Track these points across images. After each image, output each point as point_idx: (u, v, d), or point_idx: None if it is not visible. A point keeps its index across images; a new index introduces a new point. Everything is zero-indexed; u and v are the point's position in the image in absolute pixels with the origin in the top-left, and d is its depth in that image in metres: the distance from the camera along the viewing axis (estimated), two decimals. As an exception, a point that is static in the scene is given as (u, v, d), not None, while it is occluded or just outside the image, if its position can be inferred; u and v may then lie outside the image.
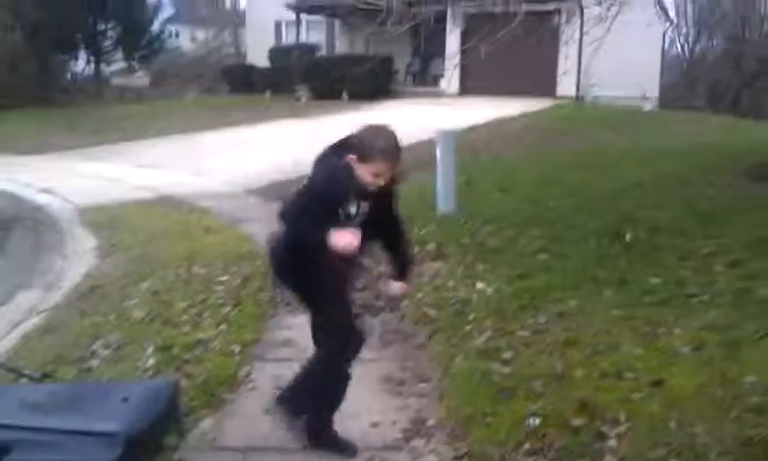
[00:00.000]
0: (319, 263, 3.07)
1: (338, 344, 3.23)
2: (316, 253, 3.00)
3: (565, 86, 19.31)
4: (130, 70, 31.27)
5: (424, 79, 24.46)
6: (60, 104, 24.51)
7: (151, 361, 4.30)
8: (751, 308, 4.61)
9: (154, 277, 6.14)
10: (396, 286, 3.42)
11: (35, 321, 5.39)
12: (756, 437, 3.11)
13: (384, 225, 3.22)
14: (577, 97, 19.48)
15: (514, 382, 3.83)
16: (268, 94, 23.65)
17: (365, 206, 3.09)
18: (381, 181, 2.95)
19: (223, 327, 4.87)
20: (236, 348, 4.54)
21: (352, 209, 3.07)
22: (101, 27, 28.72)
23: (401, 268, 3.39)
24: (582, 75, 19.26)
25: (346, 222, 3.04)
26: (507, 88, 19.27)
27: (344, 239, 2.89)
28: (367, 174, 2.94)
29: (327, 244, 2.89)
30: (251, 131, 16.67)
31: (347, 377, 3.27)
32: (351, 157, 2.95)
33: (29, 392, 3.57)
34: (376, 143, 2.94)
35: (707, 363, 3.90)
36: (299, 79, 22.93)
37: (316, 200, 3.02)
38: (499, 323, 4.75)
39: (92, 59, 29.47)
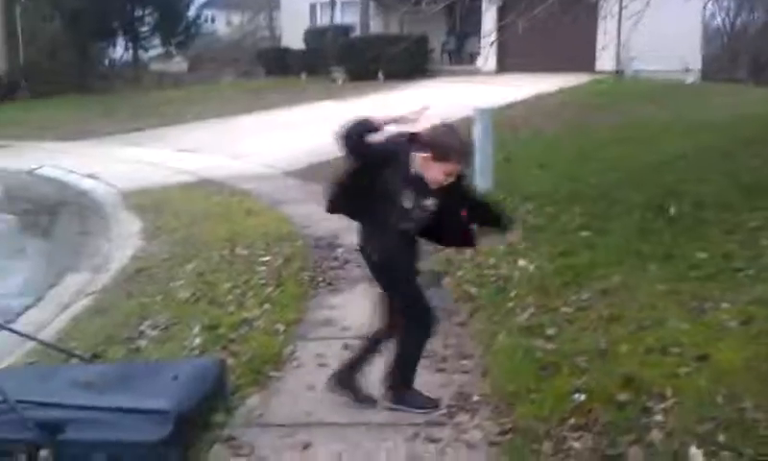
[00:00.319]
0: (403, 248, 3.29)
1: (424, 326, 3.42)
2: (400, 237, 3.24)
3: (605, 61, 18.98)
4: (167, 56, 31.57)
5: (460, 57, 24.27)
6: (99, 90, 24.93)
7: (198, 340, 4.38)
8: (799, 282, 4.52)
9: (198, 258, 6.24)
10: (509, 237, 3.76)
11: (83, 303, 5.52)
12: (806, 411, 3.06)
13: (459, 215, 3.35)
14: (617, 71, 19.14)
15: (557, 358, 3.82)
16: (303, 76, 23.69)
17: (427, 203, 3.21)
18: (451, 179, 3.10)
19: (266, 306, 4.93)
20: (280, 327, 4.60)
21: (407, 202, 3.17)
22: (138, 13, 29.02)
23: (501, 220, 3.56)
24: (621, 49, 18.93)
25: (401, 215, 3.20)
26: (545, 65, 19.01)
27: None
28: (439, 173, 3.08)
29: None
30: (287, 113, 16.74)
31: None
32: (425, 156, 3.06)
33: (80, 372, 3.68)
34: (452, 144, 3.10)
35: (754, 337, 3.83)
36: (334, 60, 22.91)
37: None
38: (542, 300, 4.73)
39: (130, 45, 29.84)
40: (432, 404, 3.46)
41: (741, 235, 5.62)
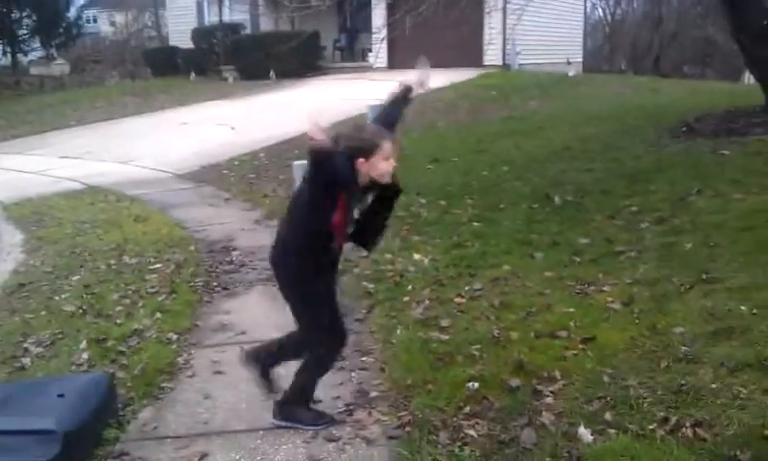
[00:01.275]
0: (320, 266, 3.18)
1: (332, 344, 3.32)
2: (318, 252, 3.13)
3: (492, 56, 19.46)
4: (48, 58, 30.13)
5: (352, 54, 24.31)
6: (-25, 97, 23.53)
7: (85, 355, 4.20)
8: (676, 262, 4.78)
9: (84, 269, 5.99)
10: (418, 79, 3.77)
11: (-39, 322, 5.19)
12: (686, 385, 3.23)
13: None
14: (504, 66, 19.68)
15: (452, 348, 3.90)
16: (193, 76, 23.17)
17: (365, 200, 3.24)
18: (394, 163, 3.07)
19: (158, 315, 4.79)
20: (173, 336, 4.48)
21: (356, 212, 3.24)
22: (15, 15, 27.56)
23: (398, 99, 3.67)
24: (507, 44, 19.48)
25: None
26: (435, 60, 18.89)
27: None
28: (384, 164, 3.04)
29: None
30: (176, 114, 16.29)
31: None
32: (363, 162, 3.01)
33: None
34: (368, 131, 3.20)
35: (637, 317, 4.03)
36: (224, 59, 22.51)
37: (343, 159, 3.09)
38: (436, 292, 4.82)
39: (8, 49, 28.29)
40: (324, 420, 3.36)
41: (622, 220, 5.89)
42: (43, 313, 5.04)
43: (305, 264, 3.14)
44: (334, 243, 3.15)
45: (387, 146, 3.07)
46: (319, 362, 3.35)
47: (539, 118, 11.85)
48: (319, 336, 3.26)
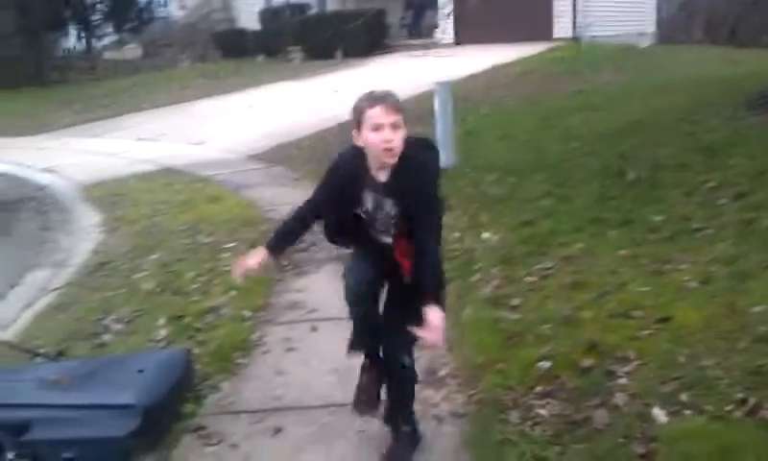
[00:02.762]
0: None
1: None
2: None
3: (562, 28, 19.06)
4: (121, 43, 30.97)
5: (419, 31, 24.13)
6: (54, 81, 24.39)
7: (163, 332, 4.35)
8: (756, 239, 4.61)
9: (161, 248, 6.18)
10: (424, 332, 2.59)
11: (46, 300, 5.43)
12: (764, 366, 3.14)
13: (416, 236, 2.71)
14: (574, 38, 19.23)
15: (522, 328, 3.87)
16: (260, 57, 23.42)
17: (388, 205, 2.72)
18: (388, 137, 2.55)
19: (232, 293, 4.90)
20: (247, 313, 4.59)
21: (369, 204, 2.73)
22: (89, 1, 28.37)
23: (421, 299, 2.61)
24: (577, 15, 19.03)
25: (369, 221, 2.78)
26: (503, 35, 19.01)
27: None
28: (369, 136, 2.58)
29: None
30: (246, 96, 16.53)
31: None
32: (353, 134, 2.67)
33: (45, 370, 3.62)
34: (361, 99, 2.65)
35: (714, 296, 3.91)
36: (291, 40, 22.67)
37: (322, 190, 2.85)
38: (506, 271, 4.78)
39: (83, 34, 29.19)
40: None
41: (699, 196, 5.71)
42: (123, 291, 5.23)
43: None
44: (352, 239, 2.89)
45: (371, 112, 2.58)
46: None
47: (610, 91, 11.55)
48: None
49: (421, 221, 2.70)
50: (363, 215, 2.78)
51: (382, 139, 2.57)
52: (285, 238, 3.01)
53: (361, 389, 3.11)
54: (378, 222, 2.78)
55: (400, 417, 3.01)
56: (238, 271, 2.91)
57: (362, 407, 3.10)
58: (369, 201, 2.74)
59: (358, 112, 2.63)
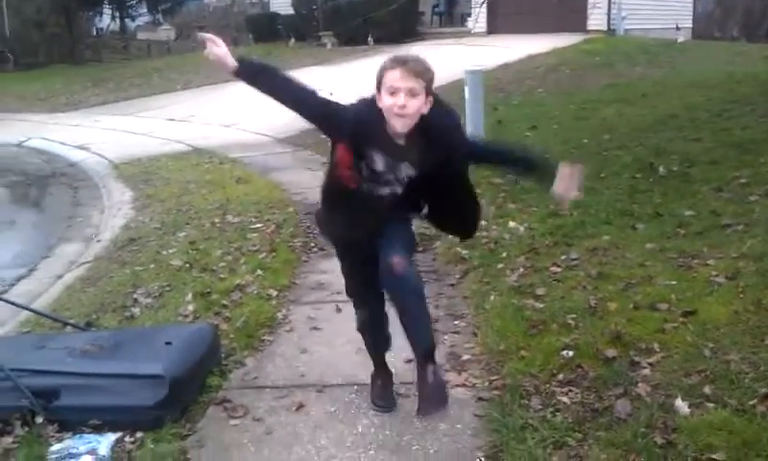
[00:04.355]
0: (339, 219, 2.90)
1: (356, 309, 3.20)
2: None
3: (596, 20, 18.87)
4: (155, 24, 31.21)
5: (451, 19, 24.06)
6: (88, 60, 24.69)
7: (190, 307, 4.41)
8: (786, 236, 4.56)
9: (190, 226, 6.26)
10: (559, 192, 2.75)
11: (76, 272, 5.54)
12: (791, 362, 3.11)
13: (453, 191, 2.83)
14: (608, 31, 19.03)
15: (547, 317, 3.87)
16: (292, 42, 23.46)
17: (404, 167, 2.69)
18: (400, 102, 2.51)
19: (259, 272, 4.96)
20: (273, 292, 4.64)
21: (379, 165, 2.67)
22: (124, -18, 28.65)
23: (539, 167, 2.87)
24: (612, 8, 18.81)
25: (372, 177, 2.70)
26: (536, 25, 18.87)
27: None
28: (384, 99, 2.55)
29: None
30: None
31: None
32: (375, 95, 2.63)
33: (75, 339, 3.70)
34: (386, 60, 2.62)
35: (741, 292, 3.87)
36: (323, 25, 22.69)
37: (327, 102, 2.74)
38: (532, 260, 4.78)
39: (117, 14, 29.46)
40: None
41: (730, 192, 5.65)
42: (152, 266, 5.31)
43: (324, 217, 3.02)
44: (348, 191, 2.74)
45: (390, 74, 2.54)
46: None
47: (644, 85, 11.43)
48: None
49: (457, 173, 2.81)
50: (364, 172, 2.69)
51: (393, 103, 2.52)
52: (264, 69, 2.80)
53: (377, 394, 3.23)
54: (384, 179, 2.71)
55: (425, 350, 2.81)
56: (206, 45, 2.72)
57: (381, 407, 3.21)
58: (379, 162, 2.67)
59: (380, 73, 2.59)
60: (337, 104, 2.71)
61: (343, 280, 3.21)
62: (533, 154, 2.96)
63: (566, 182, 2.72)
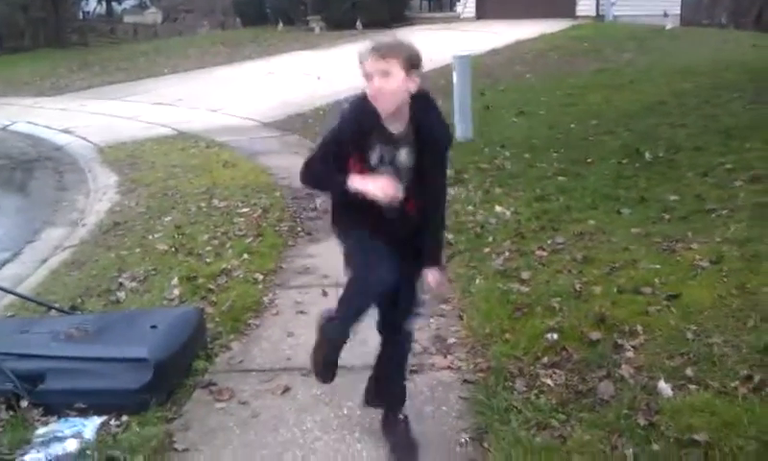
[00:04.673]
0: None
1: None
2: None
3: (585, 6, 18.90)
4: (141, 7, 30.98)
5: (440, 4, 24.01)
6: (74, 44, 24.50)
7: (176, 291, 4.40)
8: (769, 222, 4.59)
9: (176, 210, 6.23)
10: (428, 278, 2.83)
11: (62, 256, 5.51)
12: (773, 344, 3.14)
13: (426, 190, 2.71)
14: (597, 16, 19.03)
15: (532, 300, 3.89)
16: (280, 26, 23.35)
17: (400, 155, 2.64)
18: (376, 85, 2.49)
19: (245, 256, 4.95)
20: (259, 276, 4.63)
21: (373, 157, 2.63)
22: (110, -36, 28.41)
23: (426, 251, 2.83)
24: (601, -6, 18.83)
25: (368, 172, 2.62)
26: (525, 10, 18.86)
27: (377, 185, 2.50)
28: (367, 87, 2.54)
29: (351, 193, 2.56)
30: (264, 64, 16.52)
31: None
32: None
33: (59, 323, 3.69)
34: (358, 55, 2.57)
35: (725, 276, 3.91)
36: (311, 9, 22.57)
37: (325, 142, 2.68)
38: (517, 244, 4.80)
39: (103, -3, 29.25)
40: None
41: (715, 178, 5.69)
42: (137, 250, 5.29)
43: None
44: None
45: (365, 64, 2.52)
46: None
47: (631, 71, 11.46)
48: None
49: (436, 168, 2.72)
50: (372, 162, 2.63)
51: (371, 88, 2.53)
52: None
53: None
54: (384, 170, 2.64)
55: (398, 393, 2.92)
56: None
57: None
58: (374, 156, 2.62)
59: (359, 64, 2.56)
60: (332, 133, 2.66)
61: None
62: (435, 242, 2.87)
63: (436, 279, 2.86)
